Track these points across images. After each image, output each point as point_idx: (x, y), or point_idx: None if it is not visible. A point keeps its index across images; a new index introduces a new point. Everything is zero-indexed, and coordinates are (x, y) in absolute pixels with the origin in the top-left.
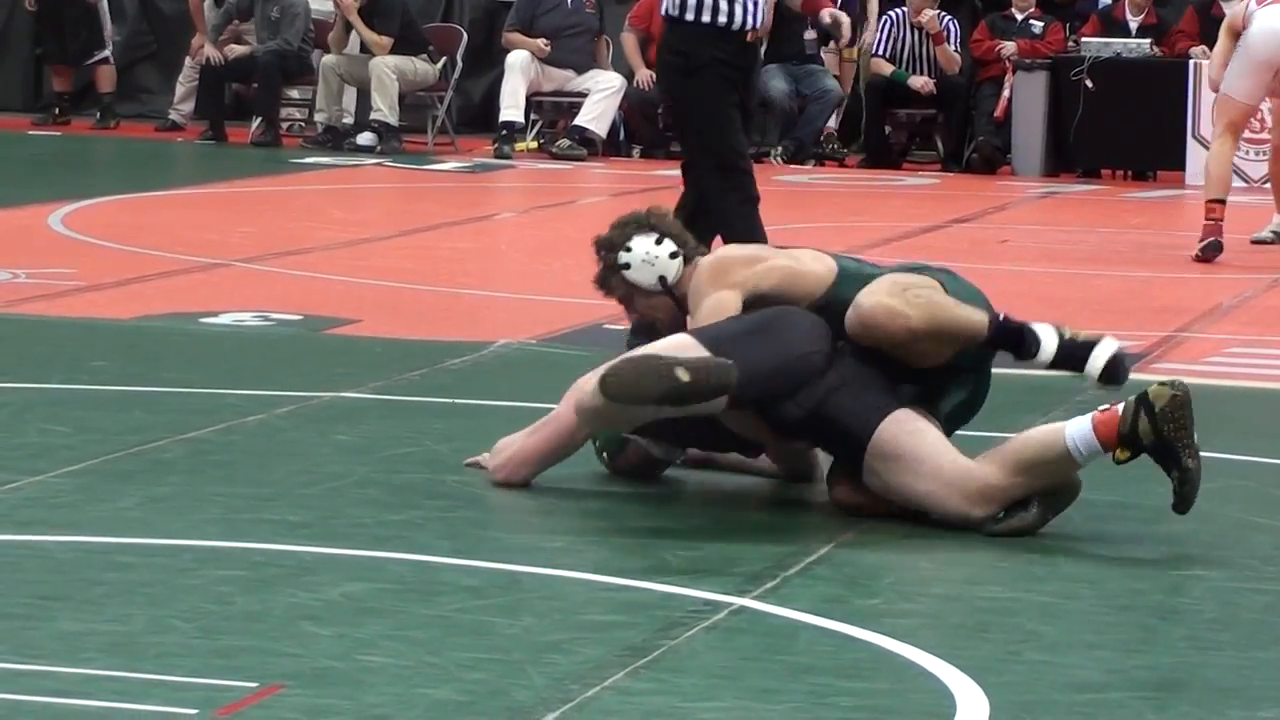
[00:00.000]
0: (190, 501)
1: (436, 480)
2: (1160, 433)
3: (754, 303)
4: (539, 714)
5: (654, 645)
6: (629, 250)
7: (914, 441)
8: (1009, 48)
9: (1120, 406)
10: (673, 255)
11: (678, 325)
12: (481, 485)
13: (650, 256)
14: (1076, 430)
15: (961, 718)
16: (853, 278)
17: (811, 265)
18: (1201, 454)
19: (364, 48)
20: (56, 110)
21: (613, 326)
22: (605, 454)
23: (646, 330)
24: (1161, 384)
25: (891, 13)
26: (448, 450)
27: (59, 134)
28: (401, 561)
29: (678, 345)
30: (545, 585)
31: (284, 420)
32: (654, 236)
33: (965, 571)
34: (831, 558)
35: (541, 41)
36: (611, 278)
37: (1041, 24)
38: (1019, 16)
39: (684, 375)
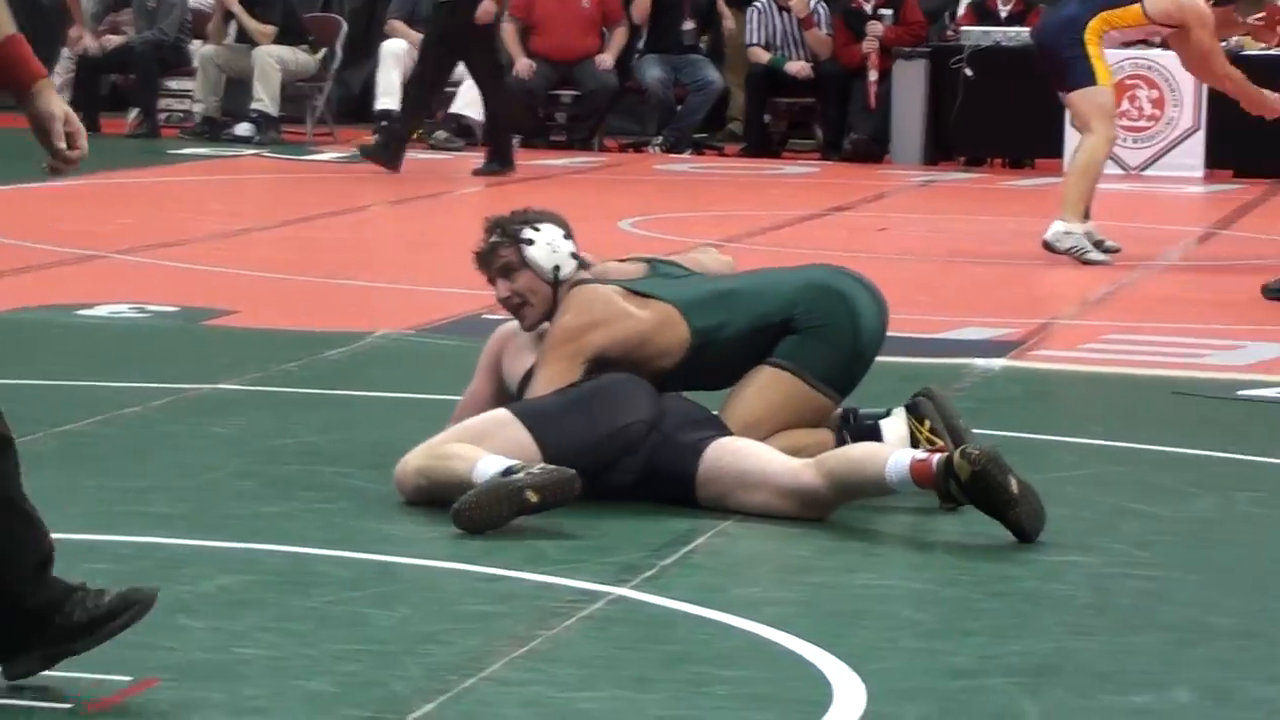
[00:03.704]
0: (64, 494)
1: (312, 472)
2: (973, 500)
3: (601, 365)
4: (416, 705)
5: (531, 635)
6: (538, 230)
7: (738, 461)
8: (870, 43)
9: (934, 461)
10: (573, 255)
11: (545, 315)
12: (358, 477)
13: (555, 245)
14: (895, 469)
15: (838, 705)
16: (698, 306)
17: (664, 324)
18: (1075, 439)
19: (242, 38)
20: None
21: (491, 316)
22: None
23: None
24: (962, 456)
25: (759, 2)
26: (324, 442)
27: None
28: (277, 553)
29: (497, 421)
30: (421, 576)
31: (160, 412)
32: (563, 231)
33: (842, 560)
34: (709, 547)
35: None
36: (503, 247)
37: (891, 10)
38: (868, 7)
39: (533, 497)
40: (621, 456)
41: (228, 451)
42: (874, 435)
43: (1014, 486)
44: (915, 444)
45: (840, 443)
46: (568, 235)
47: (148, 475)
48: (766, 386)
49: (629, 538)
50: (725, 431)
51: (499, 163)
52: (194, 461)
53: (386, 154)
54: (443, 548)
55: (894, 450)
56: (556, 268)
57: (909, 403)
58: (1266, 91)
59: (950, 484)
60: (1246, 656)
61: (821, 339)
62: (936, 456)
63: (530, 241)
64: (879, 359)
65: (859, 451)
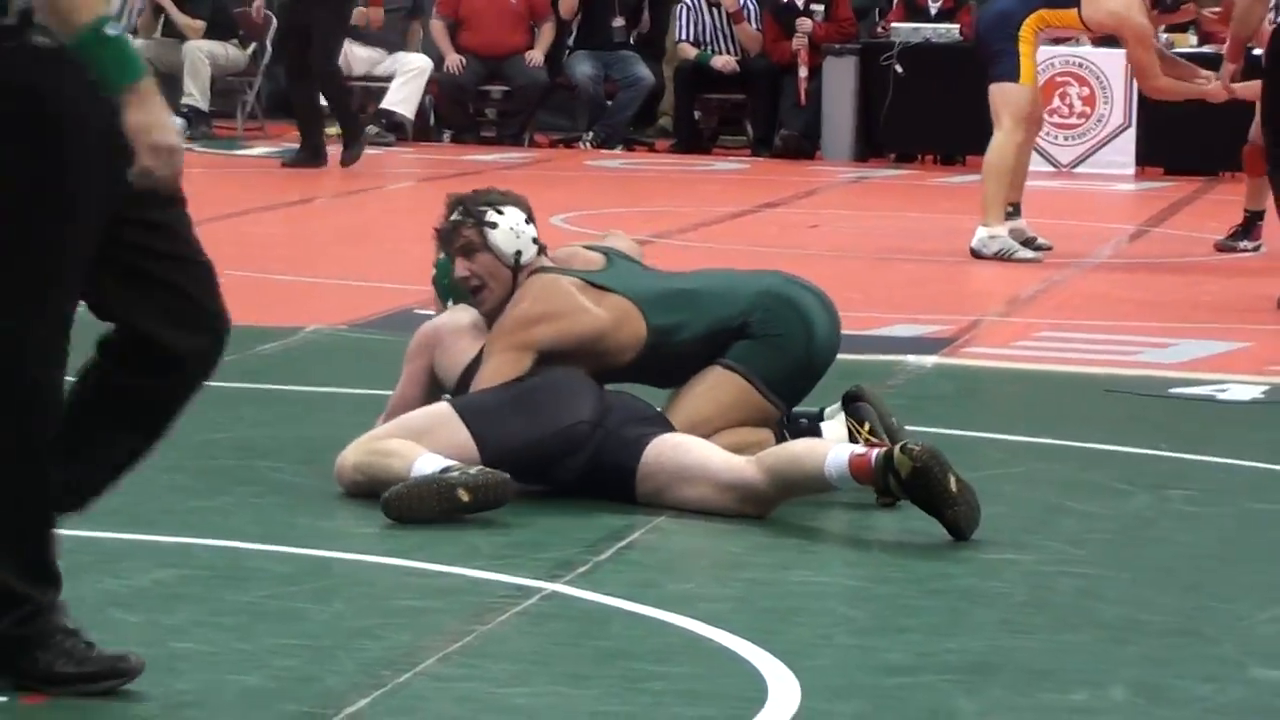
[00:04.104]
0: None
1: (246, 466)
2: (912, 496)
3: (551, 358)
4: (351, 700)
5: (465, 631)
6: (501, 214)
7: (678, 455)
8: (800, 40)
9: (873, 456)
10: (535, 240)
11: (503, 300)
12: (292, 471)
13: (519, 229)
14: (834, 464)
15: (773, 702)
16: (657, 304)
17: (621, 321)
18: (1008, 436)
19: (171, 32)
20: None
21: (424, 311)
22: None
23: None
24: (902, 452)
25: None
26: (258, 436)
27: None
28: (211, 548)
29: (437, 416)
30: (356, 571)
31: None
32: (525, 216)
33: (777, 556)
34: (643, 543)
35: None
36: (465, 228)
37: (822, 7)
38: (798, 2)
39: (465, 496)
40: (564, 456)
41: (161, 445)
42: (814, 436)
43: (953, 485)
44: (854, 443)
45: (780, 441)
46: (530, 219)
47: None
48: (715, 387)
49: (563, 533)
50: (669, 428)
51: (312, 156)
52: None
53: (359, 148)
54: (377, 543)
55: (833, 446)
56: (518, 253)
57: (849, 406)
58: (1201, 76)
59: (889, 479)
60: (1181, 654)
61: (775, 347)
62: (875, 452)
63: (494, 225)
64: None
65: (799, 447)
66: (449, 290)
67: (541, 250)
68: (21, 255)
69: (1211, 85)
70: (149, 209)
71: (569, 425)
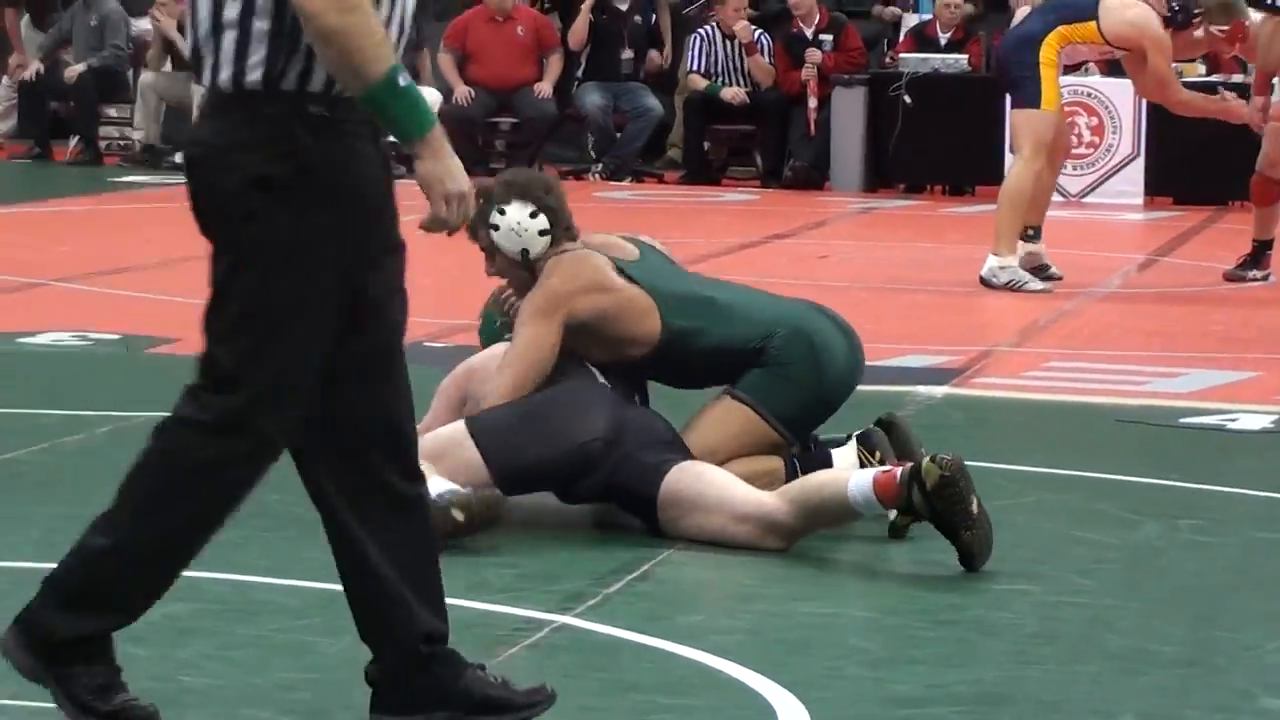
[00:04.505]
0: (7, 522)
1: (255, 499)
2: (934, 509)
3: (577, 329)
4: None
5: (476, 664)
6: (503, 214)
7: (699, 485)
8: (809, 70)
9: (898, 472)
10: (542, 232)
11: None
12: (301, 505)
13: (520, 228)
14: (858, 486)
15: None
16: (677, 304)
17: (639, 314)
18: (1018, 467)
19: (180, 65)
20: None
21: (433, 345)
22: None
23: None
24: (931, 461)
25: (702, 29)
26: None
27: None
28: (221, 581)
29: (450, 438)
30: None
31: (103, 440)
32: (530, 209)
33: (787, 588)
34: (653, 575)
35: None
36: (480, 228)
37: (831, 37)
38: (807, 32)
39: (459, 516)
40: (578, 476)
41: None
42: (825, 463)
43: (975, 506)
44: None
45: (790, 469)
46: (535, 210)
47: (92, 503)
48: (724, 418)
49: (574, 566)
50: (688, 453)
51: None
52: None
53: None
54: None
55: (853, 473)
56: (524, 250)
57: (860, 431)
58: (1229, 96)
59: (914, 492)
60: (1191, 684)
61: (786, 379)
62: (902, 467)
63: (495, 228)
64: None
65: (821, 477)
66: (491, 340)
67: (563, 236)
68: (298, 318)
69: (1235, 103)
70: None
71: (583, 443)
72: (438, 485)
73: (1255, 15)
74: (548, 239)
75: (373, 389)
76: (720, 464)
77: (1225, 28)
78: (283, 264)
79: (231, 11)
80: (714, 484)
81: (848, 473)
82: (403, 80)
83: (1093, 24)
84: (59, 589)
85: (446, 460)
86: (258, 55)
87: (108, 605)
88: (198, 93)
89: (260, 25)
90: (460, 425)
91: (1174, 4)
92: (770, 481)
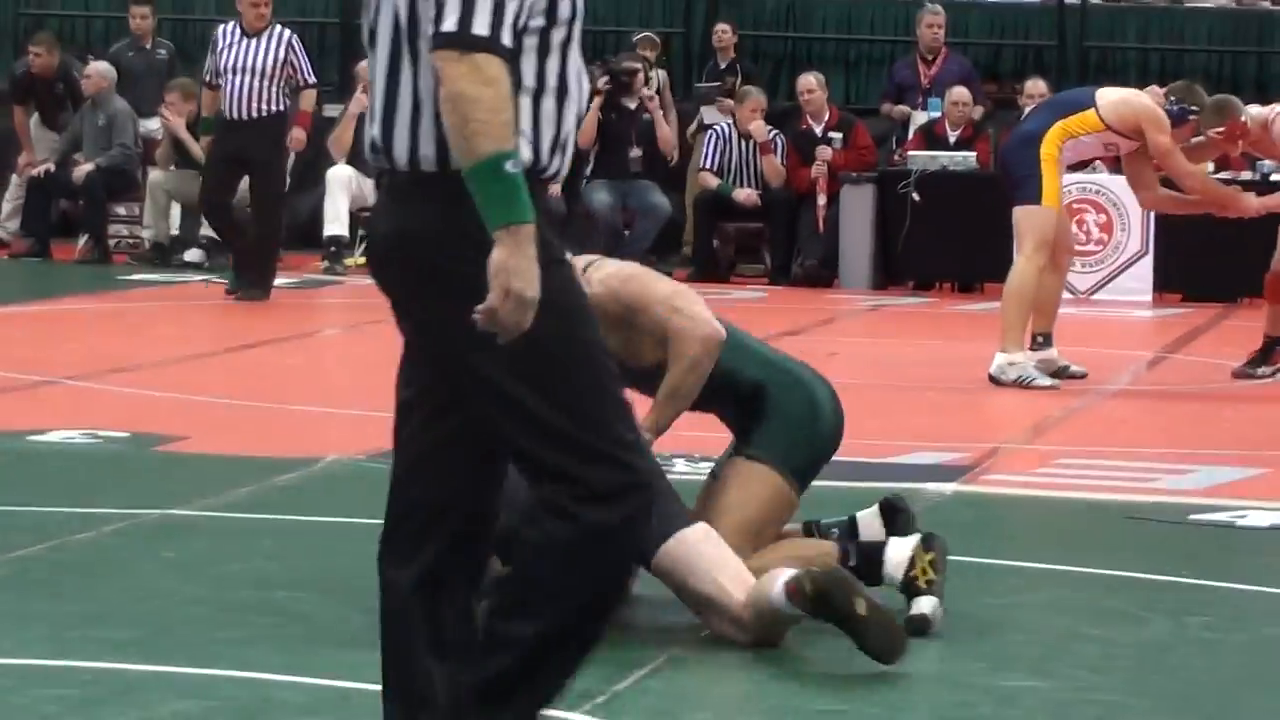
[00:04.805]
0: (16, 620)
1: (266, 597)
2: (818, 617)
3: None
4: None
5: None
6: None
7: (689, 562)
8: (819, 168)
9: (795, 576)
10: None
11: None
12: (311, 602)
13: None
14: (776, 591)
15: None
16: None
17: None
18: (1027, 564)
19: (189, 163)
20: None
21: None
22: None
23: None
24: (808, 573)
25: (717, 126)
26: (277, 567)
27: None
28: (232, 679)
29: None
30: (376, 701)
31: (112, 538)
32: None
33: (794, 685)
34: (662, 672)
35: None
36: None
37: (840, 134)
38: (817, 130)
39: None
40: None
41: (181, 577)
42: (878, 552)
43: (861, 608)
44: (911, 568)
45: (843, 554)
46: None
47: (101, 601)
48: (753, 484)
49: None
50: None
51: (260, 286)
52: (147, 587)
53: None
54: None
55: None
56: None
57: (925, 533)
58: (1237, 190)
59: (803, 602)
60: None
61: (786, 423)
62: (797, 572)
63: None
64: (832, 484)
65: (766, 577)
66: None
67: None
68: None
69: (1243, 195)
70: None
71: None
72: None
73: (1253, 110)
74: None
75: None
76: (764, 544)
77: (1221, 129)
78: (558, 317)
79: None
80: (704, 560)
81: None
82: (510, 167)
83: (1091, 112)
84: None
85: None
86: None
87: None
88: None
89: None
90: None
91: (1170, 100)
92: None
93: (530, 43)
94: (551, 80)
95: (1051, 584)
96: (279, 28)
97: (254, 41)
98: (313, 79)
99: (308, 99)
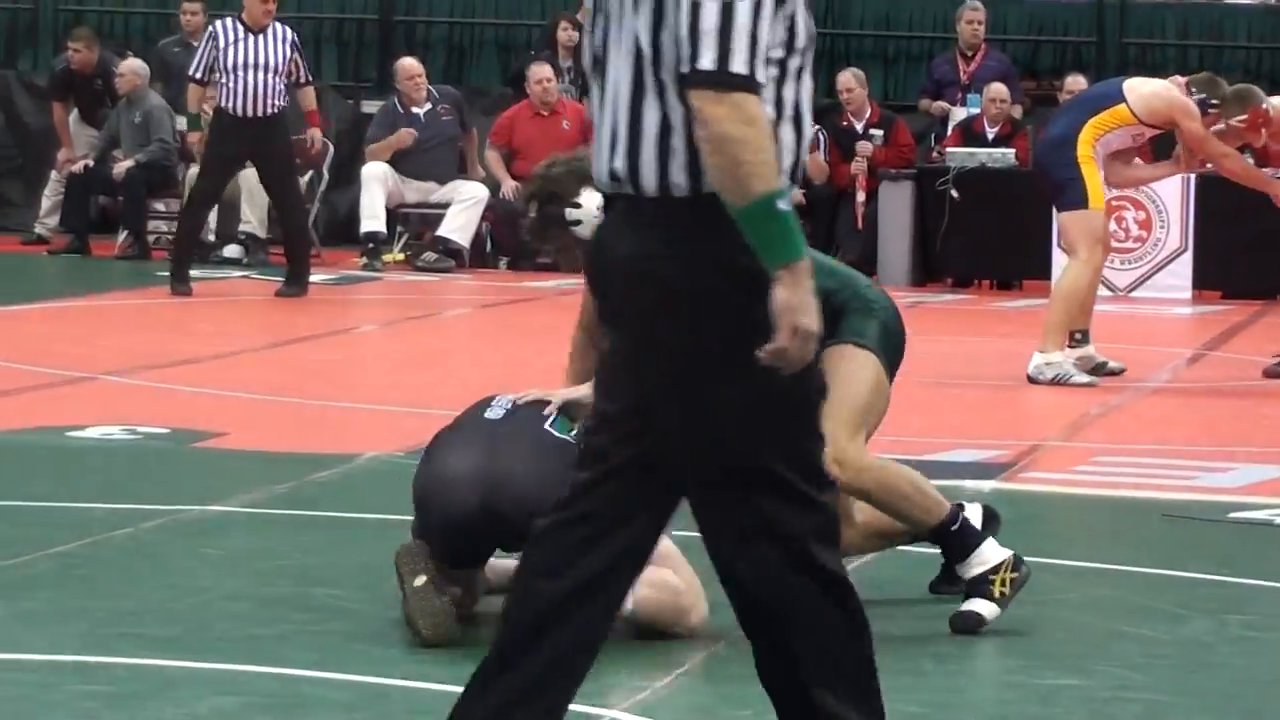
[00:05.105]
0: (56, 616)
1: (304, 593)
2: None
3: None
4: None
5: None
6: (579, 207)
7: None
8: (859, 164)
9: None
10: None
11: None
12: (349, 599)
13: (601, 211)
14: None
15: None
16: None
17: None
18: (1067, 562)
19: None
20: None
21: None
22: None
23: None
24: None
25: None
26: (315, 563)
27: None
28: (270, 675)
29: None
30: (414, 698)
31: (151, 534)
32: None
33: None
34: (701, 668)
35: (404, 133)
36: (551, 230)
37: (881, 131)
38: (858, 126)
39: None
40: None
41: (219, 573)
42: (976, 540)
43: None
44: (994, 573)
45: (952, 516)
46: None
47: (140, 597)
48: (860, 369)
49: (620, 659)
50: None
51: (297, 283)
52: (186, 583)
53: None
54: (436, 669)
55: None
56: None
57: (1019, 555)
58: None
59: None
60: None
61: (877, 317)
62: None
63: (578, 222)
64: None
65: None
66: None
67: None
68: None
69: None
70: None
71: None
72: None
73: (1276, 100)
74: None
75: None
76: (873, 429)
77: (1243, 117)
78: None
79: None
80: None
81: None
82: (782, 204)
83: (1122, 106)
84: None
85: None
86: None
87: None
88: (246, 185)
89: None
90: None
91: (1192, 91)
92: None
93: (771, 73)
94: (788, 109)
95: (1091, 582)
96: (278, 25)
97: (259, 38)
98: (310, 77)
99: (311, 97)
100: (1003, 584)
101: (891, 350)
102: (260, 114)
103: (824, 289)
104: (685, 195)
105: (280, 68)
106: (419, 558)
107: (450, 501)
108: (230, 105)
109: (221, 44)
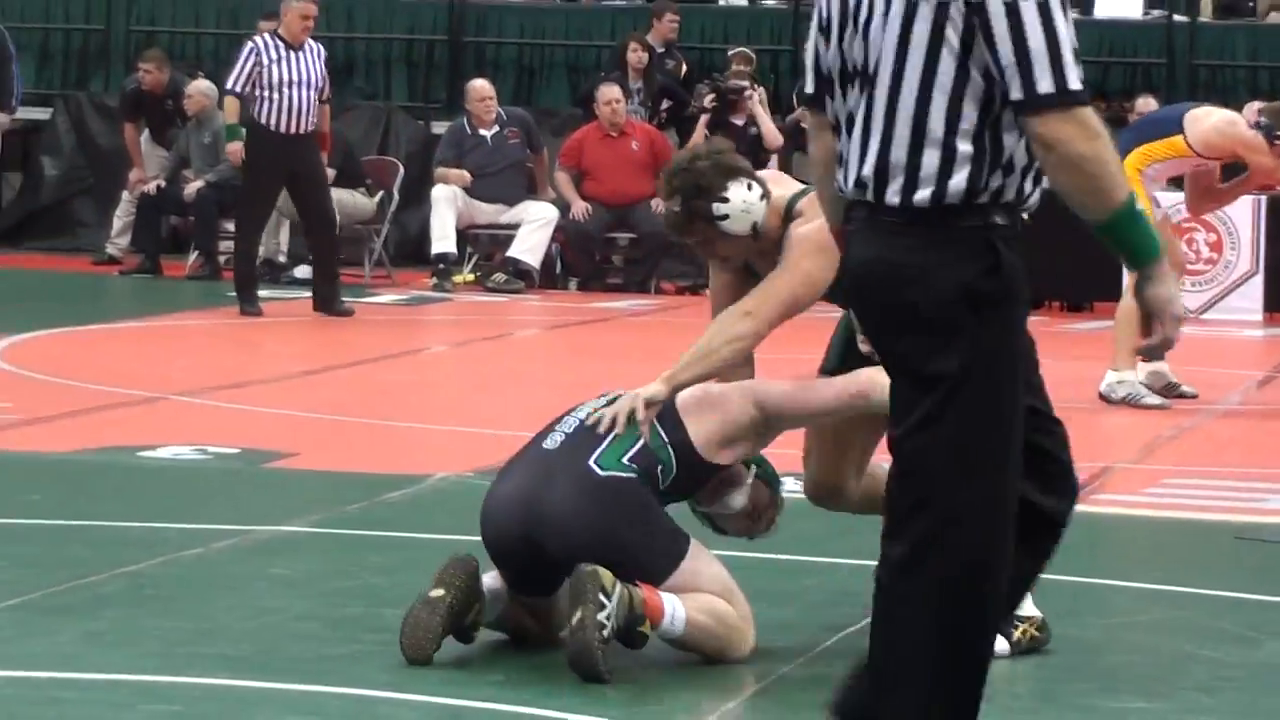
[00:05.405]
0: (128, 636)
1: (375, 613)
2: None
3: None
4: None
5: None
6: (726, 201)
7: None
8: None
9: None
10: (762, 198)
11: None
12: None
13: (747, 204)
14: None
15: None
16: None
17: None
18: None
19: None
20: None
21: None
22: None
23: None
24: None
25: None
26: (386, 583)
27: None
28: (341, 696)
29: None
30: (487, 719)
31: (222, 554)
32: (745, 183)
33: None
34: (771, 691)
35: (462, 174)
36: (695, 224)
37: None
38: None
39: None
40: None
41: (290, 593)
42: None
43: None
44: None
45: None
46: (750, 181)
47: (211, 617)
48: None
49: (689, 681)
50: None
51: (335, 304)
52: (257, 603)
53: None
54: (507, 691)
55: None
56: (754, 224)
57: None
58: None
59: None
60: None
61: None
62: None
63: (725, 216)
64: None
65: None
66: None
67: (766, 194)
68: (999, 422)
69: None
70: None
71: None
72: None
73: None
74: (765, 201)
75: None
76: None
77: None
78: (991, 377)
79: (936, 130)
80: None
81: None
82: (1139, 206)
83: (1178, 138)
84: None
85: None
86: (963, 172)
87: None
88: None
89: (964, 147)
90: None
91: (1260, 120)
92: None
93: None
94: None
95: (1161, 604)
96: (313, 41)
97: (299, 55)
98: (330, 96)
99: (326, 117)
100: (1024, 634)
101: None
102: (299, 130)
103: None
104: (927, 207)
105: (318, 84)
106: (453, 572)
107: (498, 526)
108: (272, 121)
109: (265, 61)
